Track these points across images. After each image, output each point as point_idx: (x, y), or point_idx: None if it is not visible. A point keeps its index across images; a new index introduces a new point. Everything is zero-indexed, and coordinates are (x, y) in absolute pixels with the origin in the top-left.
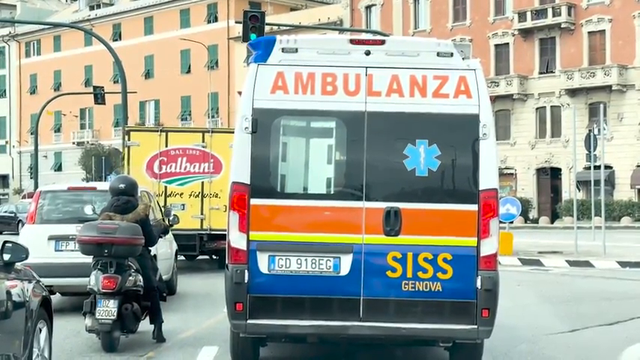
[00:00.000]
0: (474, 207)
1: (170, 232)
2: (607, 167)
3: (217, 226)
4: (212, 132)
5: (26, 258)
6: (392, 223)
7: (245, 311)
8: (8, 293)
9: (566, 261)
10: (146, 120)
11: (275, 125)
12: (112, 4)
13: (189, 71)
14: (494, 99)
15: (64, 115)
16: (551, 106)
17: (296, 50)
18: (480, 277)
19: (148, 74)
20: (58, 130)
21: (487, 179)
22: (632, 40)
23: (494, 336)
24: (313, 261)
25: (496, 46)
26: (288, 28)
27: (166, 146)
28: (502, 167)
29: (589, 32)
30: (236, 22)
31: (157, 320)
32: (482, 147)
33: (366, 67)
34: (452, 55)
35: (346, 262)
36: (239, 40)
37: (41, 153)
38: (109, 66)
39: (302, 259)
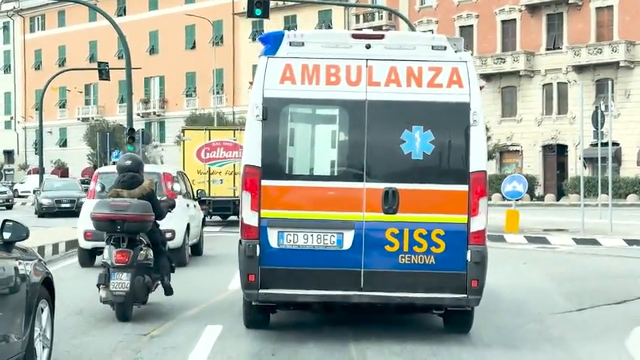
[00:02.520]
0: (465, 187)
1: (198, 205)
2: (614, 144)
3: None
4: (240, 130)
5: (27, 237)
6: (390, 202)
7: (257, 282)
8: (8, 272)
9: (573, 239)
10: (151, 96)
11: (284, 113)
12: None
13: (193, 47)
14: (501, 75)
15: (69, 90)
16: (558, 83)
17: (302, 44)
18: (469, 251)
19: (152, 50)
20: (63, 105)
21: (477, 162)
22: None
23: (501, 314)
24: (318, 236)
25: (503, 22)
26: (293, 3)
27: (209, 140)
28: (508, 144)
29: (597, 8)
30: None
31: (161, 279)
32: (473, 132)
33: (367, 60)
34: (445, 48)
35: (348, 238)
36: (244, 16)
37: (46, 129)
38: (113, 41)
39: (308, 234)
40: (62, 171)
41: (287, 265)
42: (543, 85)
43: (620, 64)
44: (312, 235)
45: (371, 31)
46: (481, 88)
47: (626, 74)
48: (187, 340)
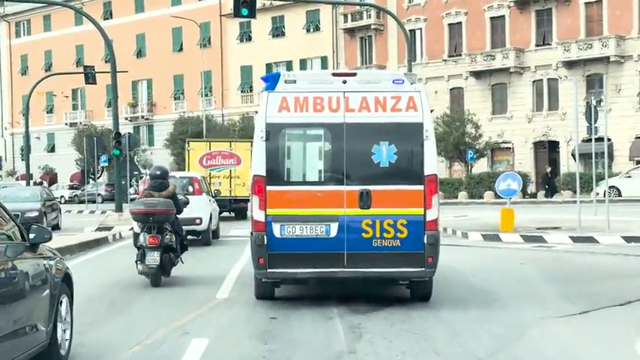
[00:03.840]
0: (421, 187)
1: (213, 200)
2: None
3: (239, 195)
4: (235, 141)
5: (50, 239)
6: (364, 199)
7: (265, 264)
8: (35, 270)
9: (570, 237)
10: (139, 99)
11: (282, 134)
12: None
13: (181, 49)
14: (490, 72)
15: (55, 95)
16: (548, 79)
17: (294, 81)
18: (426, 235)
19: (139, 53)
20: (50, 111)
21: (430, 167)
22: (630, 9)
23: (502, 320)
24: (311, 227)
25: (492, 18)
26: (281, 3)
27: (209, 149)
28: (499, 141)
29: (585, 3)
30: None
31: (179, 257)
32: (426, 145)
33: (344, 92)
34: (403, 82)
35: (334, 228)
36: (231, 17)
37: (34, 134)
38: (100, 45)
39: (303, 226)
40: (51, 177)
41: (288, 250)
42: (533, 82)
43: (611, 59)
44: (306, 227)
45: (347, 70)
46: (431, 111)
47: (616, 69)
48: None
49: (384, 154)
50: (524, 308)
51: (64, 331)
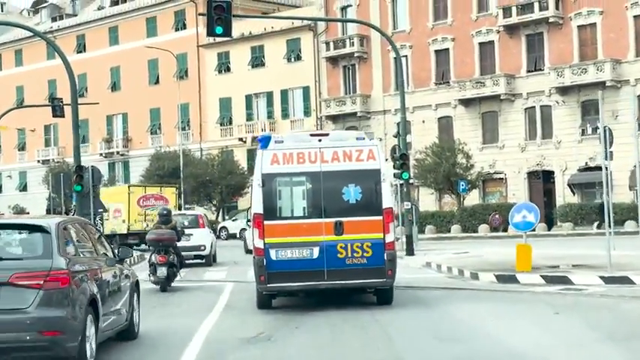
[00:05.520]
0: (380, 217)
1: (212, 231)
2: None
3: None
4: (164, 186)
5: (132, 256)
6: (338, 228)
7: (265, 280)
8: (122, 275)
9: (600, 277)
10: (114, 135)
11: (274, 181)
12: (76, 15)
13: (157, 82)
14: (480, 100)
15: (33, 130)
16: (541, 106)
17: (282, 142)
18: (385, 253)
19: (114, 86)
20: (22, 148)
21: (386, 202)
22: (625, 32)
23: None
24: (299, 251)
25: (480, 44)
26: (260, 33)
27: (145, 193)
28: (491, 172)
29: (579, 26)
30: (205, 28)
31: (179, 271)
32: (383, 186)
33: (320, 148)
34: (364, 138)
35: (316, 251)
36: (209, 48)
37: (5, 173)
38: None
39: (293, 250)
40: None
41: (282, 269)
42: (525, 109)
43: (607, 84)
44: (295, 251)
45: (321, 131)
46: (386, 160)
47: (613, 94)
48: None
49: (352, 193)
50: None
51: (136, 316)
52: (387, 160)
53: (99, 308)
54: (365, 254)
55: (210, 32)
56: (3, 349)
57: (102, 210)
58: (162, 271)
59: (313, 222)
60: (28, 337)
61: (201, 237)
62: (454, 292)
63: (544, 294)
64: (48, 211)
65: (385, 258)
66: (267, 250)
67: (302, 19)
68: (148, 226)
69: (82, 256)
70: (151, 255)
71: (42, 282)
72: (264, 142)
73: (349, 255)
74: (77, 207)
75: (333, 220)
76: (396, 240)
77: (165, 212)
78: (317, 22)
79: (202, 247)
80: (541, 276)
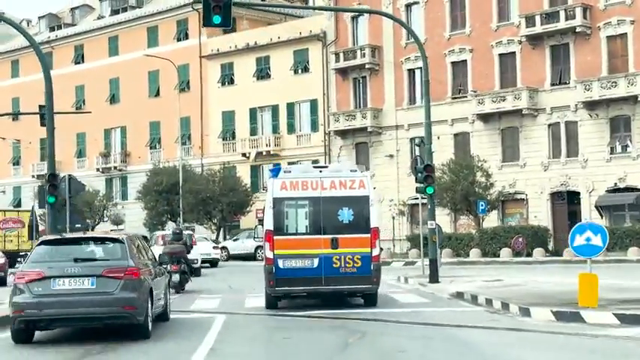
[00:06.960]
0: (368, 235)
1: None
2: (633, 189)
3: (23, 248)
4: (21, 211)
5: (168, 262)
6: (334, 243)
7: (274, 284)
8: (161, 273)
9: None
10: (112, 149)
11: (283, 204)
12: (75, 24)
13: (158, 94)
14: (500, 115)
15: (29, 143)
16: (566, 122)
17: (290, 171)
18: (372, 264)
19: (113, 99)
20: (17, 162)
21: (374, 222)
22: None
23: None
24: (302, 261)
25: (500, 55)
26: (265, 42)
27: (5, 216)
28: (512, 192)
29: (608, 37)
30: (208, 38)
31: (189, 277)
32: (371, 209)
33: (320, 177)
34: (356, 170)
35: (316, 261)
36: (212, 59)
37: None
38: (70, 91)
39: (297, 260)
40: None
41: (288, 275)
42: (549, 125)
43: (639, 99)
44: (299, 261)
45: (323, 163)
46: (374, 188)
47: None
48: None
49: (346, 214)
50: None
51: (169, 304)
52: (375, 188)
53: (153, 295)
54: (355, 265)
55: (207, 22)
56: (100, 317)
57: (80, 225)
58: (176, 277)
59: (314, 238)
60: (115, 309)
61: (207, 248)
62: (503, 333)
63: (625, 339)
64: (30, 228)
65: (372, 268)
66: (276, 260)
67: (315, 8)
68: (5, 246)
69: (141, 259)
70: (168, 265)
71: (122, 275)
72: (275, 172)
73: (343, 265)
74: (48, 221)
75: (330, 236)
76: (381, 251)
77: (177, 231)
78: (325, 32)
79: (213, 254)
80: (614, 314)
